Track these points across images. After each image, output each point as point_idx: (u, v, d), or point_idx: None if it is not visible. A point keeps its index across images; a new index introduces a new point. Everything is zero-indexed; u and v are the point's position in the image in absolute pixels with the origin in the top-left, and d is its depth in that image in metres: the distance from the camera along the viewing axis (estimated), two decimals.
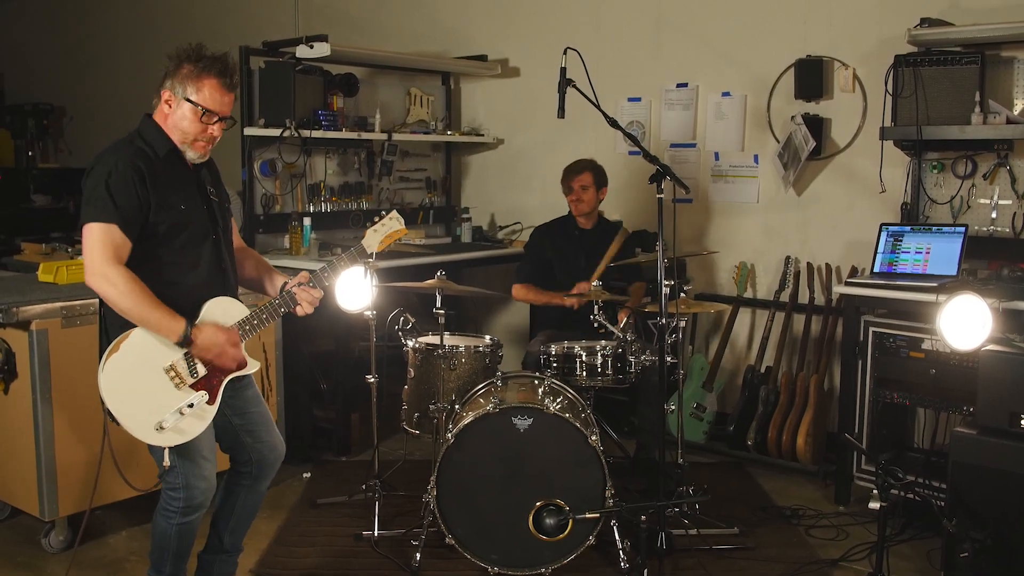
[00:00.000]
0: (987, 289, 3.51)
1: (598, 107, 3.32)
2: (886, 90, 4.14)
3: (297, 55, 4.74)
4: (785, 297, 4.72)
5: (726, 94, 4.93)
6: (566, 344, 3.72)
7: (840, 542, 3.66)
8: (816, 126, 4.56)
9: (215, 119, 2.62)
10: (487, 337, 3.87)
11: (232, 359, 2.65)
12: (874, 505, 3.49)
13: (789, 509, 3.98)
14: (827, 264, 4.66)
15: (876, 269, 4.02)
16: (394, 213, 2.87)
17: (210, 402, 2.63)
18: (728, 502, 3.99)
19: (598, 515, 3.16)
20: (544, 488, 3.17)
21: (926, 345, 3.70)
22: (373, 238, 2.84)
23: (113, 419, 2.58)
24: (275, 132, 4.71)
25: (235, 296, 2.76)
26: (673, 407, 3.92)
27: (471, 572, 3.32)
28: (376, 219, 2.86)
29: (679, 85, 5.09)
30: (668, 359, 3.53)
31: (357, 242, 2.84)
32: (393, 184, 5.65)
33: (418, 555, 3.35)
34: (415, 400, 3.71)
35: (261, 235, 4.93)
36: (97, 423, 2.72)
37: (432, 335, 3.76)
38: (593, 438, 3.22)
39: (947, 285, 3.59)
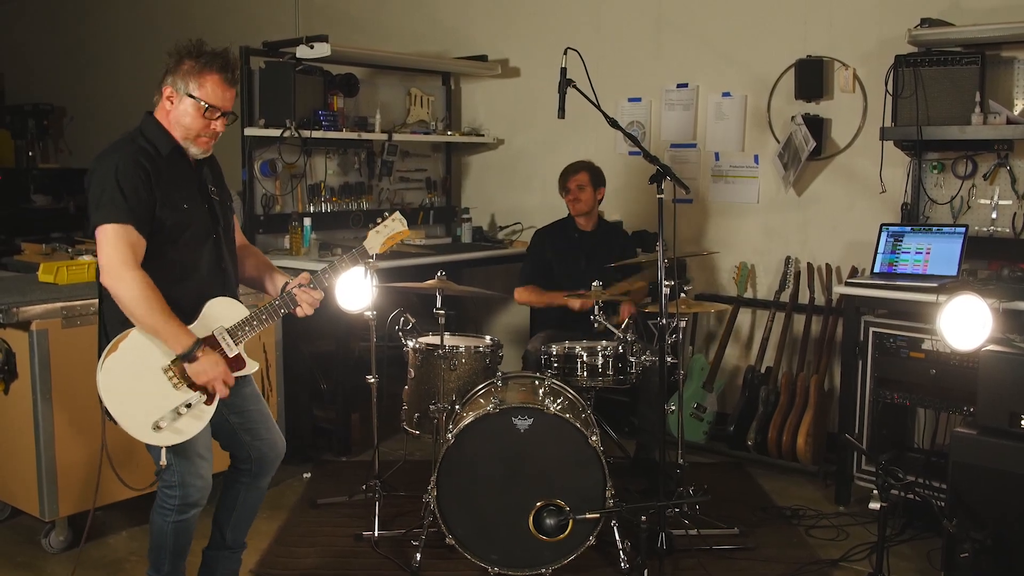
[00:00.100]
0: (987, 289, 3.51)
1: (598, 107, 3.31)
2: (886, 90, 4.14)
3: (297, 55, 4.74)
4: (785, 297, 4.71)
5: (726, 94, 4.93)
6: (567, 344, 3.72)
7: (840, 542, 3.66)
8: (816, 126, 4.56)
9: (217, 114, 2.61)
10: (487, 337, 3.87)
11: (219, 391, 2.61)
12: (874, 505, 3.50)
13: (789, 509, 3.98)
14: (827, 264, 4.66)
15: (876, 269, 4.01)
16: (397, 214, 2.86)
17: (208, 402, 2.62)
18: (728, 502, 3.98)
19: (598, 515, 3.16)
20: (544, 488, 3.17)
21: (926, 345, 3.70)
22: (375, 239, 2.83)
23: (111, 418, 2.58)
24: (275, 132, 4.72)
25: (235, 296, 2.76)
26: (673, 407, 3.92)
27: (471, 572, 3.32)
28: (379, 220, 2.85)
29: (679, 85, 5.08)
30: (668, 359, 3.53)
31: (358, 242, 2.83)
32: (393, 184, 5.65)
33: (418, 555, 3.35)
34: (415, 400, 3.71)
35: (261, 235, 4.92)
36: (97, 423, 2.72)
37: (432, 335, 3.76)
38: (593, 438, 3.22)
39: (947, 285, 3.59)
